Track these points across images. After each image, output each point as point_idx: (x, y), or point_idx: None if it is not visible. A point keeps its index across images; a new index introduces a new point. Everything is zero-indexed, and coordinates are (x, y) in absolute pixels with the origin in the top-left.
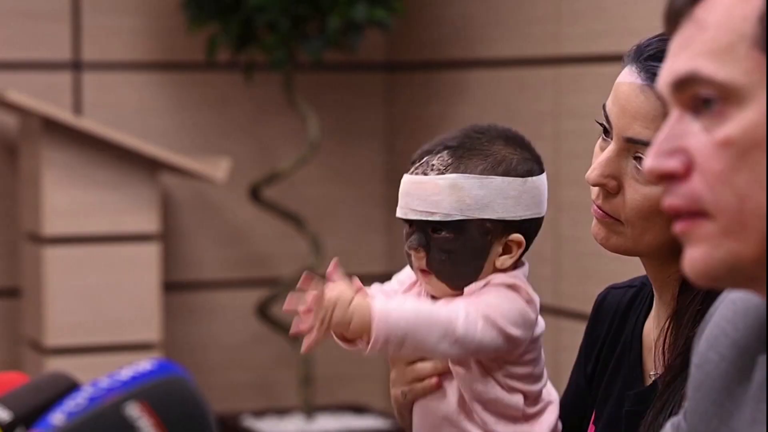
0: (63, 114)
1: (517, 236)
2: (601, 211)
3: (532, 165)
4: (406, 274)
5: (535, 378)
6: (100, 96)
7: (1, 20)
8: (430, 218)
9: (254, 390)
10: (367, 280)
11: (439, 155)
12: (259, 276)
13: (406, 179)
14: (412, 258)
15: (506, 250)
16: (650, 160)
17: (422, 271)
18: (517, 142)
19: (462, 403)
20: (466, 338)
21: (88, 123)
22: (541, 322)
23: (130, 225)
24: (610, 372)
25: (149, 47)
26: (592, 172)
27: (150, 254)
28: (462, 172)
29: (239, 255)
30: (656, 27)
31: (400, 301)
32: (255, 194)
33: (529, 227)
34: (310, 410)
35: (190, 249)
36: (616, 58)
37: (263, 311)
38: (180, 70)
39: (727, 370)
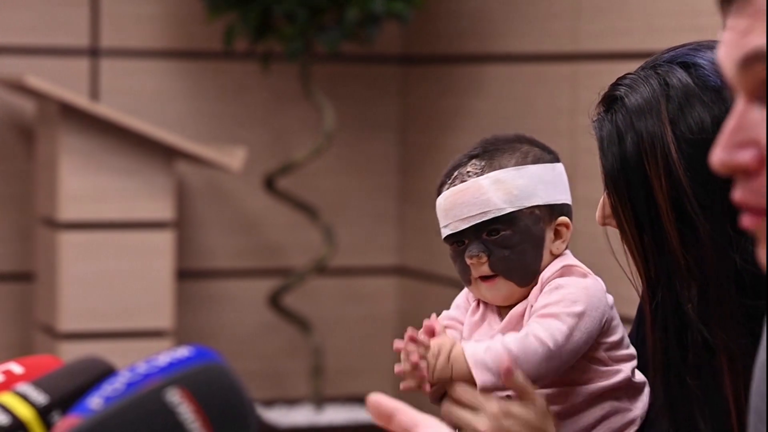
0: (80, 100)
1: (564, 219)
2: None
3: (552, 155)
4: (462, 299)
5: (626, 345)
6: (117, 82)
7: (20, 5)
8: (485, 218)
9: (264, 379)
10: (380, 271)
11: (469, 164)
12: (271, 266)
13: (445, 195)
14: (473, 268)
15: (557, 236)
16: (719, 152)
17: (485, 278)
18: (529, 139)
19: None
20: (562, 346)
21: (105, 109)
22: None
23: (144, 212)
24: None
25: (167, 35)
26: None
27: (164, 242)
28: (498, 169)
29: (252, 244)
30: (678, 25)
31: (488, 343)
32: (269, 184)
33: (568, 213)
34: (320, 401)
35: (203, 237)
36: (636, 56)
37: (275, 301)
38: (197, 59)
39: None
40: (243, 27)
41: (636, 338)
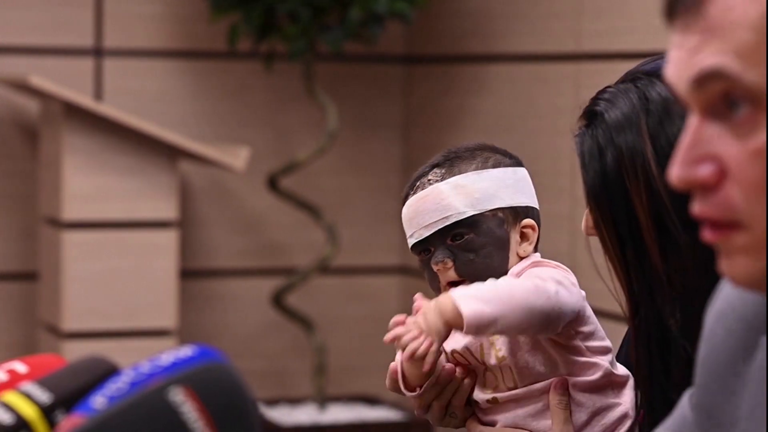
0: (84, 99)
1: (529, 221)
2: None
3: (514, 160)
4: None
5: (601, 337)
6: (121, 82)
7: (24, 5)
8: (447, 223)
9: (267, 378)
10: (383, 270)
11: (430, 172)
12: (274, 265)
13: (408, 204)
14: (441, 275)
15: (523, 238)
16: (677, 169)
17: (453, 285)
18: (491, 147)
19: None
20: (548, 290)
21: (108, 109)
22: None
23: (148, 211)
24: None
25: (171, 35)
26: None
27: (167, 241)
28: (458, 174)
29: (255, 244)
30: None
31: (476, 285)
32: (272, 183)
33: (534, 216)
34: (323, 400)
35: (206, 237)
36: (638, 56)
37: (278, 300)
38: (201, 58)
39: (733, 345)
40: (246, 27)
41: (626, 353)
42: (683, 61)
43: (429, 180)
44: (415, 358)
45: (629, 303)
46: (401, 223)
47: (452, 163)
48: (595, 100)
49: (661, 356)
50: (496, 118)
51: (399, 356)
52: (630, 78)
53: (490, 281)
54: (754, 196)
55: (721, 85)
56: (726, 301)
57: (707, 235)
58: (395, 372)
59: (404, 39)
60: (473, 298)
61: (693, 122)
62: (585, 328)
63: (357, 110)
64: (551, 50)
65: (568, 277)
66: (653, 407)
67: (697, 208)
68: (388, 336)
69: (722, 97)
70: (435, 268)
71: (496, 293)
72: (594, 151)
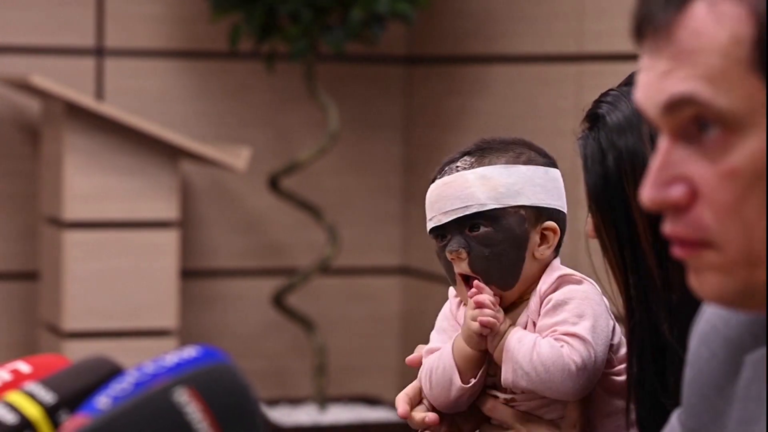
0: (85, 99)
1: (551, 223)
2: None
3: (548, 160)
4: (448, 321)
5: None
6: (122, 82)
7: (26, 5)
8: (466, 212)
9: (268, 379)
10: (383, 271)
11: (460, 159)
12: (275, 265)
13: (432, 188)
14: (454, 264)
15: (543, 240)
16: (649, 191)
17: (465, 277)
18: (527, 143)
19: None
20: (589, 361)
21: (110, 109)
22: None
23: (149, 211)
24: None
25: (172, 35)
26: None
27: (169, 241)
28: (487, 165)
29: (256, 244)
30: None
31: (532, 340)
32: (273, 183)
33: (559, 219)
34: (323, 400)
35: (207, 237)
36: (639, 57)
37: (279, 300)
38: (202, 59)
39: (717, 367)
40: (248, 27)
41: None
42: (653, 85)
43: (457, 167)
44: (484, 322)
45: (625, 307)
46: (402, 223)
47: (483, 153)
48: (598, 102)
49: (654, 361)
50: (498, 119)
51: (422, 371)
52: (633, 80)
53: (531, 356)
54: (726, 217)
55: (691, 109)
56: (709, 322)
57: (677, 251)
58: (414, 394)
59: (405, 39)
60: (512, 371)
61: (663, 144)
62: (615, 340)
63: (358, 111)
64: (553, 51)
65: (595, 292)
66: (645, 411)
67: (668, 228)
68: (478, 296)
69: (692, 120)
70: (449, 256)
71: (536, 377)
72: (596, 154)
